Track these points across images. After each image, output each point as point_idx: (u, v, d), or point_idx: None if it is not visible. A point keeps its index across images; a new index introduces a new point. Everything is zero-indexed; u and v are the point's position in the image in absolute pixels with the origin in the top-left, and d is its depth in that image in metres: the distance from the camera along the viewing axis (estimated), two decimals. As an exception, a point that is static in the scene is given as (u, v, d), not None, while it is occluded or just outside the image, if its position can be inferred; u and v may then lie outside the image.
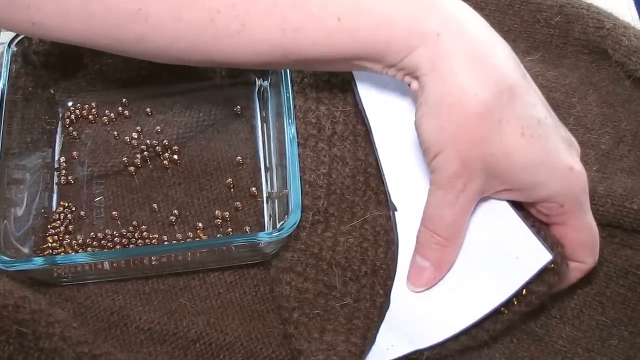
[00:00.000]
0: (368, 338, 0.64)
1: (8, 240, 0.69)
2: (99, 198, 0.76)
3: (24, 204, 0.74)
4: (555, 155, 0.60)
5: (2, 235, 0.68)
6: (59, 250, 0.73)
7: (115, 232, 0.74)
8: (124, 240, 0.74)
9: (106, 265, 0.69)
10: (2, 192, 0.70)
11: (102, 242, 0.74)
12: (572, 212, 0.62)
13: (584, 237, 0.64)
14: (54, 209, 0.76)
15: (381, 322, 0.65)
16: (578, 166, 0.61)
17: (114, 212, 0.75)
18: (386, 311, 0.65)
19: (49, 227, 0.75)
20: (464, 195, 0.61)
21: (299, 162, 0.70)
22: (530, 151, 0.59)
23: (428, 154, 0.61)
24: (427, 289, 0.65)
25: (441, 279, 0.64)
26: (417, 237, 0.65)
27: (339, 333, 0.64)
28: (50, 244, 0.74)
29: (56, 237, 0.74)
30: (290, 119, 0.70)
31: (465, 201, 0.61)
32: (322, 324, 0.65)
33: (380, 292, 0.65)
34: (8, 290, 0.63)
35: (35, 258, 0.68)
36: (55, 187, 0.77)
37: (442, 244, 0.63)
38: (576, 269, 0.65)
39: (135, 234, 0.74)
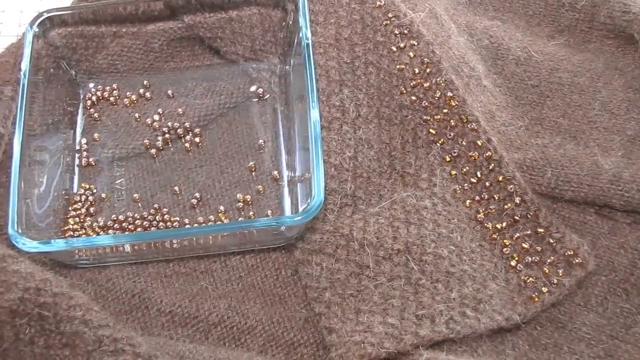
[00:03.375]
0: (405, 318, 0.63)
1: (30, 222, 0.69)
2: (120, 180, 0.76)
3: (45, 185, 0.73)
4: None
5: (24, 217, 0.68)
6: (80, 232, 0.73)
7: (136, 215, 0.74)
8: (145, 222, 0.74)
9: (127, 247, 0.69)
10: (24, 173, 0.69)
11: (123, 224, 0.74)
12: None
13: None
14: (75, 190, 0.76)
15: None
16: None
17: (135, 195, 0.75)
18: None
19: (70, 208, 0.75)
20: None
21: (323, 146, 0.69)
22: None
23: None
24: None
25: None
26: None
27: (374, 314, 0.64)
28: (71, 226, 0.73)
29: (77, 219, 0.74)
30: (314, 101, 0.69)
31: None
32: (357, 305, 0.65)
33: (415, 268, 0.65)
34: (30, 273, 0.63)
35: (57, 240, 0.68)
36: (76, 169, 0.77)
37: None
38: None
39: (157, 217, 0.74)
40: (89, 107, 0.80)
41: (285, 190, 0.74)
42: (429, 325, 0.63)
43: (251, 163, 0.75)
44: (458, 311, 0.64)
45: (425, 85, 0.72)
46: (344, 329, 0.64)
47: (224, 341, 0.67)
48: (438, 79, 0.72)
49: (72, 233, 0.73)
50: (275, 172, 0.75)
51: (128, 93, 0.80)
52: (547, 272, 0.67)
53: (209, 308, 0.69)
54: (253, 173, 0.75)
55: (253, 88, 0.79)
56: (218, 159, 0.76)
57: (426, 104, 0.72)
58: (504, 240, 0.69)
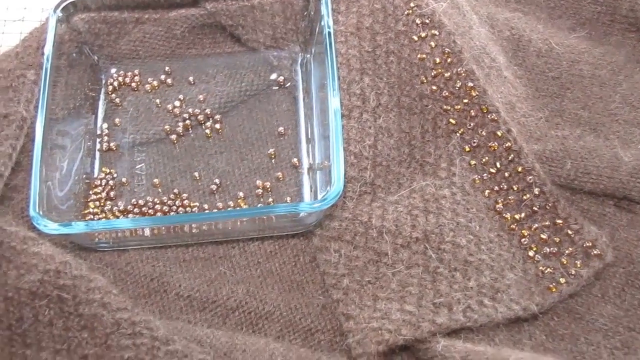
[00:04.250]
0: (422, 306, 0.63)
1: (51, 204, 0.69)
2: (140, 165, 0.76)
3: (66, 169, 0.74)
4: None
5: (45, 200, 0.68)
6: (100, 216, 0.74)
7: (156, 200, 0.74)
8: (164, 207, 0.74)
9: (147, 231, 0.69)
10: (45, 157, 0.70)
11: (143, 209, 0.74)
12: None
13: None
14: (95, 175, 0.76)
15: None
16: None
17: (155, 180, 0.75)
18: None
19: (90, 192, 0.75)
20: None
21: (343, 134, 0.69)
22: None
23: None
24: None
25: None
26: None
27: (392, 301, 0.64)
28: (91, 210, 0.74)
29: (97, 202, 0.74)
30: (335, 90, 0.70)
31: None
32: (374, 292, 0.65)
33: (433, 256, 0.65)
34: (50, 255, 0.63)
35: (77, 222, 0.68)
36: (97, 153, 0.77)
37: None
38: None
39: (176, 202, 0.74)
40: (110, 93, 0.80)
41: (305, 177, 0.74)
42: (447, 313, 0.63)
43: (271, 150, 0.76)
44: (476, 300, 0.64)
45: (446, 75, 0.72)
46: (362, 316, 0.64)
47: (242, 326, 0.68)
48: (459, 69, 0.72)
49: (92, 217, 0.73)
50: (295, 160, 0.75)
51: (149, 79, 0.81)
52: (565, 263, 0.67)
53: (227, 293, 0.69)
54: (273, 160, 0.76)
55: (274, 76, 0.80)
56: (238, 146, 0.77)
57: (447, 93, 0.72)
58: (523, 231, 0.69)
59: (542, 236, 0.69)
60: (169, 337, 0.61)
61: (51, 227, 0.66)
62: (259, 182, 0.74)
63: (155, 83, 0.80)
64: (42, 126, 0.70)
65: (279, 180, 0.75)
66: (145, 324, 0.61)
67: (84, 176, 0.75)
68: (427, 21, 0.73)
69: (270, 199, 0.74)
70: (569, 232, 0.68)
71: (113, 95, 0.80)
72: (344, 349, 0.66)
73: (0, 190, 0.69)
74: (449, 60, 0.72)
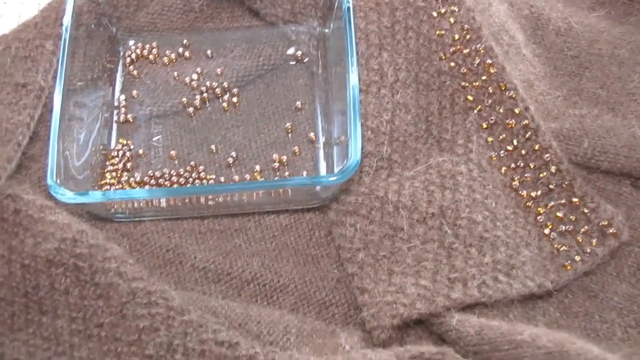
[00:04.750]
0: (438, 281, 0.64)
1: (68, 174, 0.69)
2: (157, 137, 0.77)
3: (83, 140, 0.74)
4: None
5: (62, 170, 0.69)
6: (117, 187, 0.74)
7: (172, 172, 0.75)
8: (181, 179, 0.74)
9: (163, 203, 0.70)
10: (63, 127, 0.70)
11: (160, 180, 0.74)
12: None
13: None
14: (112, 146, 0.76)
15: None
16: None
17: (172, 152, 0.75)
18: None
19: (107, 163, 0.75)
20: None
21: (361, 109, 0.69)
22: None
23: None
24: None
25: None
26: None
27: (407, 275, 0.64)
28: (108, 181, 0.74)
29: (114, 173, 0.75)
30: (353, 65, 0.70)
31: None
32: (390, 266, 0.65)
33: (448, 232, 0.65)
34: (66, 224, 0.64)
35: (94, 192, 0.69)
36: (114, 124, 0.78)
37: None
38: None
39: (193, 174, 0.74)
40: (128, 65, 0.80)
41: (321, 152, 0.74)
42: (461, 288, 0.64)
43: (288, 124, 0.76)
44: (490, 276, 0.64)
45: (464, 51, 0.72)
46: (377, 290, 0.65)
47: (257, 298, 0.68)
48: (478, 46, 0.71)
49: (108, 187, 0.74)
50: (312, 134, 0.75)
51: (167, 52, 0.81)
52: (580, 241, 0.67)
53: (242, 265, 0.69)
54: (289, 134, 0.76)
55: (292, 51, 0.80)
56: (255, 120, 0.77)
57: (465, 70, 0.72)
58: (538, 209, 0.69)
59: (558, 214, 0.68)
60: (184, 307, 0.61)
61: (68, 196, 0.66)
62: (275, 156, 0.74)
63: (173, 56, 0.80)
64: (60, 96, 0.70)
65: (295, 154, 0.75)
66: (161, 294, 0.61)
67: (101, 147, 0.76)
68: (447, -3, 0.73)
69: (287, 173, 0.74)
70: (585, 210, 0.68)
71: (131, 67, 0.80)
72: (358, 322, 0.66)
73: (17, 159, 0.69)
74: (467, 36, 0.72)
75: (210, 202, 0.70)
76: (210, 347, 0.60)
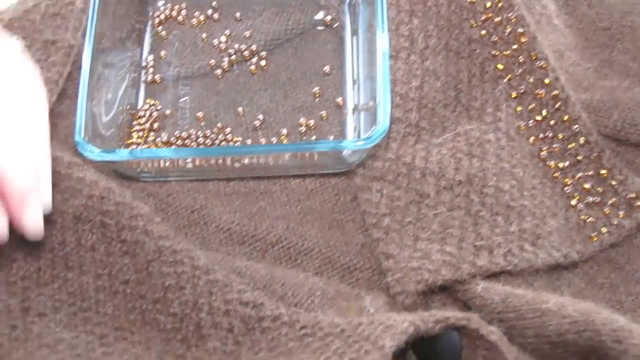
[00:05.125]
0: (463, 248, 0.64)
1: (95, 133, 0.69)
2: (184, 98, 0.77)
3: (111, 99, 0.74)
4: None
5: (90, 128, 0.69)
6: (144, 147, 0.74)
7: (199, 133, 0.74)
8: (207, 141, 0.74)
9: (189, 163, 0.70)
10: (92, 86, 0.70)
11: (186, 141, 0.74)
12: None
13: None
14: (139, 106, 0.76)
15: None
16: None
17: (198, 113, 0.75)
18: None
19: (134, 123, 0.75)
20: None
21: (390, 75, 0.69)
22: None
23: None
24: None
25: None
26: None
27: (432, 242, 0.64)
28: (134, 140, 0.74)
29: (141, 133, 0.75)
30: (384, 30, 0.69)
31: None
32: (415, 232, 0.65)
33: (475, 200, 0.65)
34: (94, 181, 0.64)
35: (121, 150, 0.69)
36: (142, 84, 0.78)
37: None
38: None
39: (219, 136, 0.74)
40: (156, 25, 0.80)
41: (349, 117, 0.74)
42: (487, 256, 0.63)
43: (316, 89, 0.75)
44: (516, 245, 0.64)
45: (496, 20, 0.71)
46: (402, 255, 0.65)
47: (281, 261, 0.68)
48: (509, 14, 0.71)
49: (135, 147, 0.74)
50: (339, 99, 0.75)
51: (196, 13, 0.80)
52: (607, 213, 0.67)
53: (267, 228, 0.69)
54: (317, 99, 0.75)
55: (321, 15, 0.79)
56: (282, 84, 0.76)
57: (496, 38, 0.71)
58: (566, 180, 0.69)
59: (586, 186, 0.68)
60: (210, 267, 0.61)
61: (95, 153, 0.66)
62: (302, 120, 0.74)
63: (201, 17, 0.80)
64: (90, 55, 0.70)
65: (322, 119, 0.74)
66: (187, 253, 0.62)
67: (128, 107, 0.76)
68: (479, -36, 0.72)
69: (314, 137, 0.74)
70: (613, 182, 0.68)
71: (159, 28, 0.80)
72: (382, 287, 0.66)
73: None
74: (499, 4, 0.71)
75: (236, 164, 0.70)
76: (235, 307, 0.60)
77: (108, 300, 0.62)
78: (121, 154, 0.67)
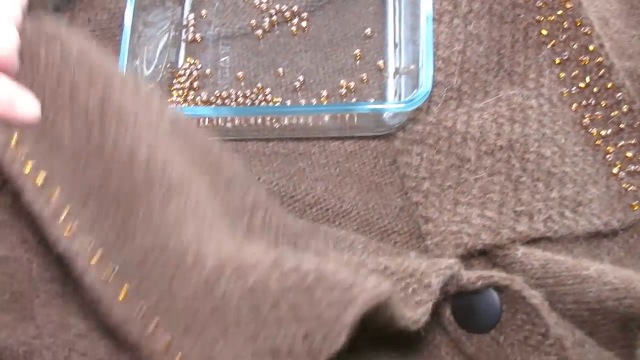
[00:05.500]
0: (503, 213, 0.63)
1: (136, 89, 0.69)
2: (224, 58, 0.76)
3: (152, 57, 0.74)
4: None
5: (131, 85, 0.69)
6: (183, 106, 0.74)
7: (239, 93, 0.74)
8: (247, 101, 0.74)
9: (228, 123, 0.70)
10: (132, 44, 0.70)
11: (226, 101, 0.74)
12: None
13: None
14: (180, 64, 0.76)
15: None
16: None
17: (238, 73, 0.75)
18: None
19: (174, 82, 0.75)
20: None
21: (433, 38, 0.69)
22: None
23: None
24: None
25: None
26: None
27: (472, 206, 0.64)
28: (174, 99, 0.74)
29: (181, 92, 0.75)
30: (427, -7, 0.69)
31: None
32: (455, 197, 0.65)
33: (516, 165, 0.65)
34: None
35: (162, 108, 0.68)
36: (182, 43, 0.78)
37: None
38: None
39: (259, 96, 0.74)
40: (197, -16, 0.80)
41: (390, 80, 0.74)
42: (527, 222, 0.63)
43: (357, 51, 0.75)
44: (557, 211, 0.64)
45: (540, -15, 0.71)
46: (441, 219, 0.64)
47: (319, 222, 0.68)
48: (554, -20, 0.70)
49: (175, 106, 0.74)
50: (380, 62, 0.74)
51: (238, -28, 0.80)
52: (649, 181, 0.67)
53: (306, 189, 0.69)
54: (358, 61, 0.75)
55: (362, -22, 0.79)
56: (323, 45, 0.76)
57: (540, 4, 0.70)
58: (608, 147, 0.68)
59: (628, 154, 0.68)
60: None
61: (137, 110, 0.66)
62: (342, 82, 0.74)
63: (243, -23, 0.80)
64: (131, 13, 0.70)
65: (362, 82, 0.74)
66: None
67: (168, 65, 0.76)
68: None
69: (354, 100, 0.73)
70: (655, 151, 0.68)
71: (200, -13, 0.80)
72: (421, 250, 0.66)
73: None
74: (544, -31, 0.71)
75: (275, 125, 0.70)
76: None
77: None
78: (161, 112, 0.67)
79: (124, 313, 0.52)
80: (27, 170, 0.53)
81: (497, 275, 0.58)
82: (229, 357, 0.48)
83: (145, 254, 0.52)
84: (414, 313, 0.54)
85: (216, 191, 0.58)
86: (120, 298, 0.52)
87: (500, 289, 0.59)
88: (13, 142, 0.53)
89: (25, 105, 0.56)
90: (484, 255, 0.64)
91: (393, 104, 0.68)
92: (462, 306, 0.61)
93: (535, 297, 0.57)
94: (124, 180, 0.53)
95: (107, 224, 0.53)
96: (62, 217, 0.52)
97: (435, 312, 0.62)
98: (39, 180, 0.53)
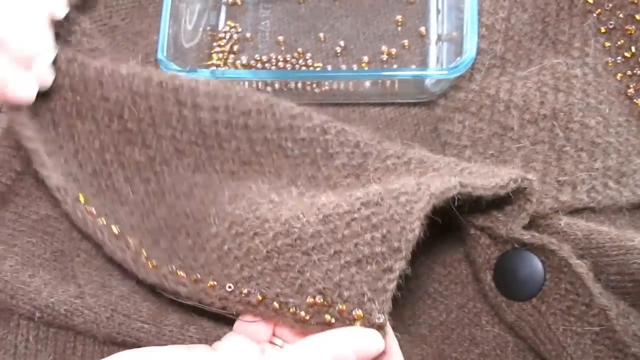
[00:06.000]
0: (547, 183, 0.63)
1: (177, 52, 0.69)
2: (264, 22, 0.76)
3: (193, 19, 0.74)
4: None
5: (173, 47, 0.69)
6: (223, 69, 0.74)
7: (279, 57, 0.74)
8: (287, 65, 0.74)
9: (268, 87, 0.69)
10: (174, 7, 0.70)
11: (266, 65, 0.74)
12: None
13: None
14: (220, 27, 0.76)
15: None
16: None
17: (279, 37, 0.75)
18: None
19: (214, 45, 0.75)
20: None
21: (477, 5, 0.68)
22: None
23: None
24: None
25: None
26: None
27: None
28: (214, 62, 0.74)
29: (221, 55, 0.74)
30: (472, -41, 0.68)
31: None
32: (497, 165, 0.64)
33: (560, 135, 0.64)
34: None
35: (203, 70, 0.68)
36: (222, 6, 0.77)
37: None
38: None
39: (300, 61, 0.74)
40: (238, -53, 0.79)
41: (432, 47, 0.73)
42: (570, 191, 0.63)
43: (398, 17, 0.74)
44: (600, 181, 0.63)
45: (587, -48, 0.70)
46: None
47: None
48: (601, -52, 0.69)
49: (215, 68, 0.73)
50: (422, 29, 0.74)
51: (280, -64, 0.79)
52: (692, 155, 0.66)
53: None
54: (399, 27, 0.74)
55: (405, -56, 0.78)
56: (364, 11, 0.75)
57: (586, -28, 0.70)
58: (653, 118, 0.67)
59: (673, 125, 0.67)
60: None
61: (178, 71, 0.66)
62: (384, 48, 0.73)
63: (285, -60, 0.79)
64: (173, -25, 0.70)
65: (404, 48, 0.73)
66: None
67: (209, 28, 0.75)
68: None
69: (395, 66, 0.73)
70: (699, 126, 0.67)
71: (241, -50, 0.79)
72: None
73: None
74: (592, -63, 0.70)
75: (316, 90, 0.70)
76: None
77: (228, 136, 0.62)
78: (202, 74, 0.67)
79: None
80: (101, 222, 0.60)
81: (547, 238, 0.58)
82: (319, 277, 0.51)
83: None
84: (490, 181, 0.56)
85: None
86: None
87: (545, 254, 0.58)
88: (82, 199, 0.60)
89: (18, 86, 0.59)
90: (527, 225, 0.63)
91: (436, 71, 0.67)
92: (503, 273, 0.61)
93: (581, 266, 0.57)
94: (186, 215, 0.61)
95: (182, 253, 0.59)
96: (144, 257, 0.58)
97: (477, 279, 0.62)
98: (115, 229, 0.59)
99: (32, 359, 0.60)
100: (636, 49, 0.68)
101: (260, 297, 0.53)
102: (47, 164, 0.60)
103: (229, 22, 0.76)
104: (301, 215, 0.54)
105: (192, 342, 0.58)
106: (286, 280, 0.53)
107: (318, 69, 0.73)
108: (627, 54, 0.68)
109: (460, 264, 0.65)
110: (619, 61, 0.69)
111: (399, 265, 0.50)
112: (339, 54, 0.74)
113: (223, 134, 0.62)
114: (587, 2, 0.70)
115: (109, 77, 0.62)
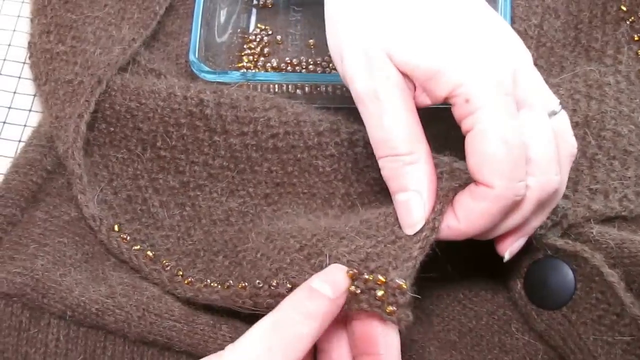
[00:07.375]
0: (579, 191, 0.62)
1: (207, 54, 0.70)
2: (295, 25, 0.76)
3: (224, 22, 0.74)
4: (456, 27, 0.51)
5: (203, 48, 0.69)
6: (254, 71, 0.74)
7: (309, 60, 0.74)
8: (318, 69, 0.74)
9: (298, 90, 0.69)
10: (205, 8, 0.70)
11: (296, 68, 0.74)
12: (480, 112, 0.49)
13: (489, 148, 0.49)
14: (251, 30, 0.76)
15: None
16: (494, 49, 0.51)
17: (310, 40, 0.75)
18: None
19: (245, 47, 0.75)
20: (391, 93, 0.52)
21: (510, 11, 0.68)
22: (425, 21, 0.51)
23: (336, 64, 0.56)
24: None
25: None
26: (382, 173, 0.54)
27: None
28: (245, 64, 0.74)
29: (251, 57, 0.74)
30: (506, -35, 0.68)
31: (397, 99, 0.52)
32: None
33: (592, 142, 0.64)
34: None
35: (233, 72, 0.68)
36: (253, 9, 0.77)
37: (409, 161, 0.53)
38: (483, 197, 0.50)
39: (330, 64, 0.74)
40: (269, -50, 0.79)
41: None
42: (602, 200, 0.62)
43: (429, 22, 0.74)
44: (632, 190, 0.63)
45: (621, -41, 0.69)
46: None
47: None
48: (636, -46, 0.69)
49: (245, 71, 0.73)
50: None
51: (311, -61, 0.79)
52: None
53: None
54: (430, 32, 0.74)
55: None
56: (395, 15, 0.75)
57: (620, -21, 0.69)
58: (685, 127, 0.67)
59: None
60: None
61: (207, 73, 0.66)
62: (414, 53, 0.73)
63: (316, -56, 0.79)
64: (204, -23, 0.70)
65: (435, 53, 0.73)
66: None
67: (239, 31, 0.76)
68: None
69: (426, 71, 0.72)
70: None
71: (272, -48, 0.79)
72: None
73: (152, 30, 0.70)
74: (626, -57, 0.69)
75: (346, 94, 0.69)
76: None
77: (259, 159, 0.63)
78: (233, 76, 0.67)
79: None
80: (135, 248, 0.62)
81: (580, 246, 0.58)
82: (345, 252, 0.52)
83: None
84: None
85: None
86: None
87: (577, 263, 0.58)
88: (116, 227, 0.63)
89: None
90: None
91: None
92: (534, 282, 0.60)
93: (613, 275, 0.56)
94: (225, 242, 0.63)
95: (219, 272, 0.60)
96: (180, 276, 0.60)
97: (507, 287, 0.62)
98: (150, 253, 0.62)
99: (62, 358, 0.60)
100: (669, 57, 0.68)
101: (289, 286, 0.53)
102: (87, 192, 0.62)
103: (259, 25, 0.76)
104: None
105: (224, 341, 0.58)
106: (315, 265, 0.53)
107: (349, 72, 0.72)
108: (660, 62, 0.68)
109: (490, 271, 0.64)
110: (652, 69, 0.68)
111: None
112: (369, 58, 0.73)
113: (254, 158, 0.63)
114: (621, 9, 0.69)
115: (139, 109, 0.64)
